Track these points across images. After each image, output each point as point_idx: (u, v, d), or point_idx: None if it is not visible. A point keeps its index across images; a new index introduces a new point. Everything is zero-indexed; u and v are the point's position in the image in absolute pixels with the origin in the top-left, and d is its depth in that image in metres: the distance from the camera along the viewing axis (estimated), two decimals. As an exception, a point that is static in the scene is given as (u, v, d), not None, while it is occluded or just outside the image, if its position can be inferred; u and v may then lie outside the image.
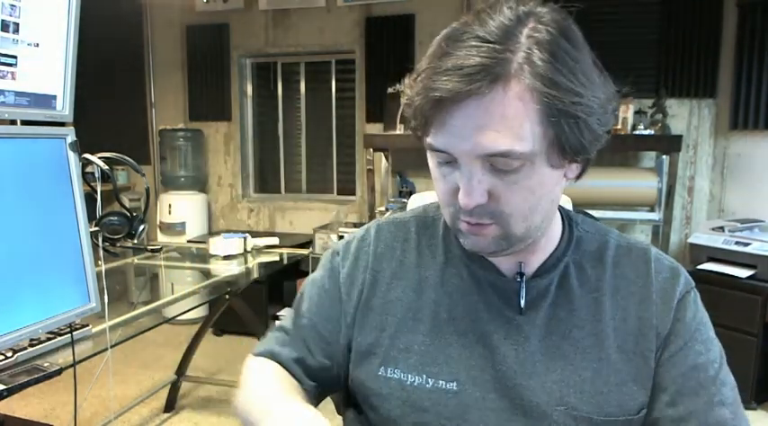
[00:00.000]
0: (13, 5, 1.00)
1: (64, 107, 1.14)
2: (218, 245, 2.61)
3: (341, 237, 2.78)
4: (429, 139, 0.62)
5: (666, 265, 0.74)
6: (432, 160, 0.66)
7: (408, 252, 0.78)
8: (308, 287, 0.83)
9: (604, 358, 0.69)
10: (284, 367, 0.78)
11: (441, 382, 0.70)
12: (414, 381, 0.71)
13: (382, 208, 3.50)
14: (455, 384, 0.70)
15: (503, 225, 0.64)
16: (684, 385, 0.68)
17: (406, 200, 2.25)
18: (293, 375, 0.77)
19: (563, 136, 0.59)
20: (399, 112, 3.45)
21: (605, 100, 0.62)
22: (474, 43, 0.57)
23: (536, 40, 0.58)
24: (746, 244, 2.83)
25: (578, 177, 0.69)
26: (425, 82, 0.59)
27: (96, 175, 1.45)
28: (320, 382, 0.79)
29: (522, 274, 0.71)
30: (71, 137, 1.15)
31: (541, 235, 0.70)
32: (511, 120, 0.57)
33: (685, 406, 0.68)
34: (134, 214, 1.60)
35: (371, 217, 3.55)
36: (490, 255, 0.71)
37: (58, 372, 1.22)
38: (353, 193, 4.23)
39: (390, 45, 3.83)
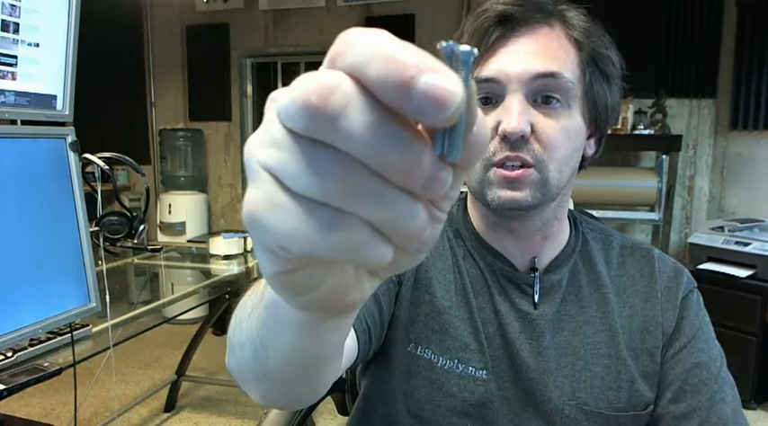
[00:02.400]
0: (13, 5, 1.00)
1: (64, 107, 1.14)
2: (218, 245, 2.61)
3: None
4: (477, 73, 0.64)
5: (670, 265, 0.75)
6: None
7: (441, 238, 0.77)
8: None
9: (614, 354, 0.70)
10: None
11: (471, 369, 0.70)
12: (444, 364, 0.70)
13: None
14: (484, 372, 0.70)
15: (541, 169, 0.64)
16: (687, 382, 0.69)
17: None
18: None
19: (595, 86, 0.66)
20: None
21: (621, 77, 0.70)
22: None
23: (572, 8, 0.68)
24: (746, 244, 2.83)
25: (594, 155, 0.73)
26: (475, 17, 0.65)
27: (96, 175, 1.45)
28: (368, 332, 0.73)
29: (535, 269, 0.72)
30: (71, 137, 1.15)
31: (555, 219, 0.71)
32: (557, 52, 0.64)
33: (688, 403, 0.68)
34: (134, 214, 1.60)
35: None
36: (519, 211, 0.66)
37: (58, 372, 1.22)
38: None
39: (390, 45, 3.83)
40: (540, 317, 0.71)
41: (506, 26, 0.64)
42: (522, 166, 0.63)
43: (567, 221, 0.76)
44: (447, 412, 0.70)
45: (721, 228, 3.00)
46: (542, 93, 0.63)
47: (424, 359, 0.71)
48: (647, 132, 3.16)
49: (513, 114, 0.62)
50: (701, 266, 2.96)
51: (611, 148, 3.52)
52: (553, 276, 0.72)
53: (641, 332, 0.71)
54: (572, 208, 1.02)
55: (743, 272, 2.78)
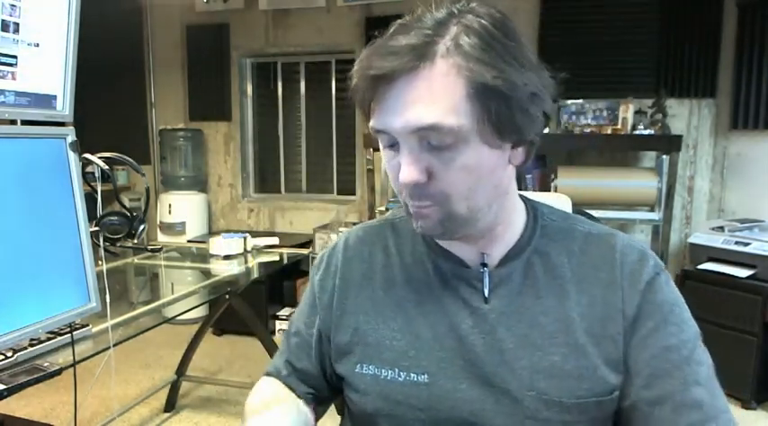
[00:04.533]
0: (13, 5, 1.00)
1: (64, 107, 1.14)
2: (218, 245, 2.61)
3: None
4: (371, 123, 0.65)
5: (635, 250, 0.74)
6: (381, 146, 0.69)
7: (375, 254, 0.81)
8: (297, 310, 0.89)
9: (572, 343, 0.70)
10: (282, 380, 0.83)
11: (412, 375, 0.73)
12: (387, 375, 0.74)
13: (382, 208, 3.50)
14: (426, 376, 0.72)
15: (444, 206, 0.66)
16: (658, 367, 0.69)
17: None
18: (289, 386, 0.83)
19: (492, 113, 0.61)
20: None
21: (539, 84, 0.64)
22: (409, 33, 0.62)
23: (465, 26, 0.61)
24: (746, 244, 2.83)
25: (523, 163, 0.70)
26: (362, 63, 0.64)
27: (96, 175, 1.45)
28: (316, 388, 0.84)
29: (485, 264, 0.74)
30: (71, 137, 1.15)
31: (497, 223, 0.72)
32: (438, 96, 0.60)
33: (660, 387, 0.68)
34: (134, 214, 1.60)
35: (371, 216, 3.55)
36: (440, 237, 0.73)
37: (58, 372, 1.22)
38: (353, 193, 4.23)
39: (390, 45, 3.83)
40: (491, 311, 0.72)
41: (382, 81, 0.62)
42: (428, 207, 0.66)
43: (520, 217, 0.76)
44: (401, 421, 0.73)
45: (721, 228, 3.00)
46: (431, 139, 0.62)
47: (369, 375, 0.75)
48: (647, 132, 3.16)
49: (404, 165, 0.63)
50: (701, 266, 2.96)
51: (611, 148, 3.53)
52: (503, 270, 0.74)
53: (602, 319, 0.71)
54: (569, 208, 1.02)
55: (743, 272, 2.78)
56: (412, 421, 0.72)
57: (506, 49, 0.61)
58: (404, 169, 0.64)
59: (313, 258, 3.11)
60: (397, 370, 0.73)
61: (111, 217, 1.55)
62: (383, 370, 0.74)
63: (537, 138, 0.68)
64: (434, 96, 0.60)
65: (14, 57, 1.02)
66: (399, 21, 0.66)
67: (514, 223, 0.75)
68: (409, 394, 0.72)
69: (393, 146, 0.66)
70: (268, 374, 0.86)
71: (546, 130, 3.29)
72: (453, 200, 0.65)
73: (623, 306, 0.71)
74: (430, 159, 0.63)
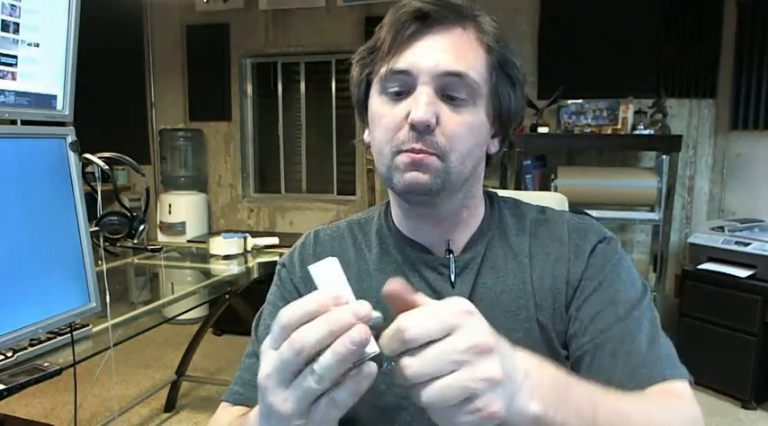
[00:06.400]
0: (13, 5, 1.00)
1: (64, 107, 1.14)
2: (218, 245, 2.61)
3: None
4: (393, 64, 0.68)
5: (579, 224, 0.78)
6: (379, 99, 0.71)
7: (346, 249, 0.82)
8: (264, 311, 0.86)
9: (531, 317, 0.72)
10: (235, 400, 0.77)
11: (393, 363, 0.71)
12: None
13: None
14: None
15: (443, 158, 0.68)
16: (601, 320, 0.69)
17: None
18: (249, 400, 0.77)
19: (500, 89, 0.71)
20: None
21: (524, 91, 0.75)
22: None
23: (485, 15, 0.72)
24: (746, 244, 2.83)
25: (492, 156, 0.77)
26: (402, 5, 0.69)
27: (96, 175, 1.45)
28: None
29: (450, 251, 0.76)
30: (71, 137, 1.15)
31: (464, 206, 0.76)
32: (466, 52, 0.69)
33: (603, 334, 0.68)
34: (134, 214, 1.60)
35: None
36: (426, 193, 0.71)
37: (58, 372, 1.22)
38: (353, 193, 4.23)
39: (390, 45, 3.83)
40: (458, 294, 0.73)
41: (422, 22, 0.68)
42: (427, 153, 0.68)
43: (481, 206, 0.80)
44: (384, 410, 0.73)
45: (721, 228, 3.00)
46: (449, 89, 0.67)
47: None
48: (647, 132, 3.16)
49: (421, 105, 0.66)
50: (701, 266, 2.96)
51: (611, 148, 3.53)
52: (467, 255, 0.76)
53: (552, 292, 0.73)
54: (566, 207, 1.02)
55: (743, 272, 2.78)
56: (396, 409, 0.73)
57: (513, 46, 0.72)
58: (419, 108, 0.66)
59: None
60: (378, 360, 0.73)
61: (111, 217, 1.55)
62: None
63: (510, 138, 0.77)
64: (463, 52, 0.68)
65: (14, 57, 1.02)
66: None
67: (476, 211, 0.79)
68: (392, 382, 0.71)
69: (401, 94, 0.69)
70: (224, 400, 0.79)
71: (545, 130, 3.30)
72: (453, 153, 0.68)
73: (569, 276, 0.73)
74: (442, 107, 0.67)
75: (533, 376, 0.47)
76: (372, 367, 0.43)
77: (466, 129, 0.68)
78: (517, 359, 0.47)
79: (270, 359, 0.44)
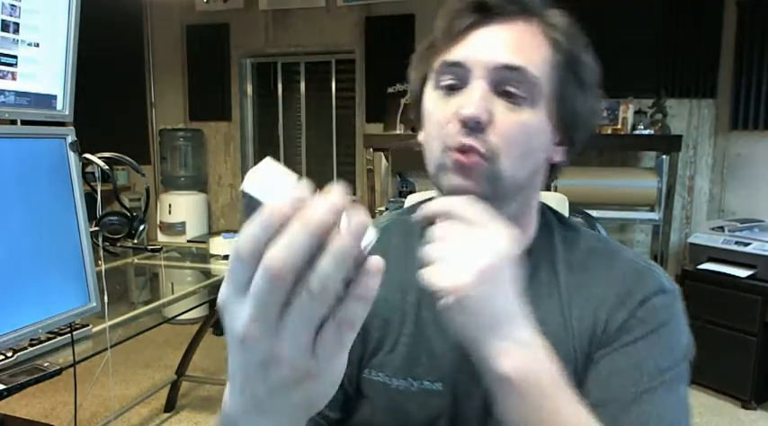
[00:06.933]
0: (13, 5, 1.00)
1: (64, 107, 1.14)
2: (218, 245, 2.61)
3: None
4: (449, 55, 0.64)
5: (640, 267, 0.70)
6: (432, 94, 0.66)
7: (390, 253, 0.74)
8: None
9: (565, 354, 0.65)
10: None
11: (426, 383, 0.68)
12: (399, 385, 0.69)
13: (382, 208, 3.50)
14: (441, 384, 0.68)
15: (492, 162, 0.62)
16: (617, 383, 0.63)
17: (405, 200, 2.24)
18: None
19: (566, 89, 0.64)
20: (399, 112, 3.44)
21: (599, 94, 0.67)
22: None
23: (556, 9, 0.66)
24: (746, 244, 2.83)
25: (557, 167, 0.70)
26: (451, 5, 0.64)
27: (96, 175, 1.45)
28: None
29: None
30: (71, 137, 1.15)
31: (519, 216, 0.68)
32: (528, 48, 0.63)
33: (609, 393, 0.62)
34: (134, 214, 1.60)
35: (371, 217, 3.55)
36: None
37: (58, 372, 1.22)
38: (353, 193, 4.23)
39: (390, 45, 3.83)
40: None
41: (481, 13, 0.63)
42: (475, 154, 0.62)
43: (534, 222, 0.73)
44: None
45: (721, 228, 3.00)
46: (506, 85, 0.61)
47: (378, 382, 0.70)
48: (647, 132, 3.16)
49: (473, 99, 0.61)
50: (701, 266, 2.96)
51: (611, 148, 3.53)
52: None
53: (590, 335, 0.66)
54: (567, 207, 1.02)
55: (743, 272, 2.78)
56: None
57: (586, 45, 0.66)
58: (470, 103, 0.60)
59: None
60: (410, 379, 0.68)
61: (111, 217, 1.55)
62: (394, 379, 0.69)
63: (579, 147, 0.68)
64: (525, 47, 0.62)
65: (14, 57, 1.02)
66: None
67: (530, 227, 0.72)
68: (423, 403, 0.68)
69: (454, 88, 0.63)
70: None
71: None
72: (502, 159, 0.61)
73: (606, 324, 0.66)
74: (497, 103, 0.62)
75: (529, 346, 0.46)
76: (378, 259, 0.34)
77: (521, 130, 0.62)
78: (525, 322, 0.47)
79: (241, 313, 0.32)
